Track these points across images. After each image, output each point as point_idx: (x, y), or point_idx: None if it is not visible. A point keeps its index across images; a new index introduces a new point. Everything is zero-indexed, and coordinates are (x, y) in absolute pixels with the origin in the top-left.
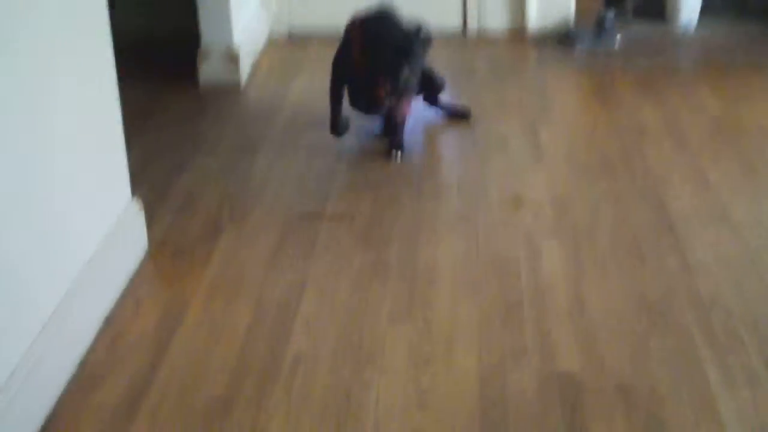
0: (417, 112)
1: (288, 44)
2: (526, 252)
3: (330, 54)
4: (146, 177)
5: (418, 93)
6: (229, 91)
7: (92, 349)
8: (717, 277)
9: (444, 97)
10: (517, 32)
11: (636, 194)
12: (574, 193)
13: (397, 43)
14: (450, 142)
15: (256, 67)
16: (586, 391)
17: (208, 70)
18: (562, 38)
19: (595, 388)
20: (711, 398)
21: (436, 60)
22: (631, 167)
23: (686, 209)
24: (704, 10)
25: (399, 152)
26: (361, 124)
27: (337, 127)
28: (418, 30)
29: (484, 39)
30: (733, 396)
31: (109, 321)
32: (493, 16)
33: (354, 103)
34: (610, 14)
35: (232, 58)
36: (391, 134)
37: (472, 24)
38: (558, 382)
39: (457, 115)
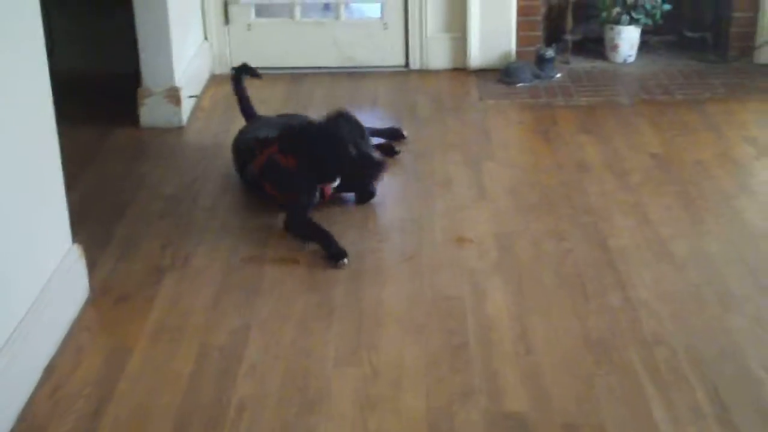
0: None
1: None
2: (471, 291)
3: (273, 90)
4: (87, 221)
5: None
6: (171, 131)
7: (32, 401)
8: (660, 313)
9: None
10: (459, 69)
11: (578, 231)
12: (518, 230)
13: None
14: (393, 180)
15: (197, 106)
16: (534, 430)
17: (149, 111)
18: (503, 74)
19: (543, 428)
20: None
21: (379, 95)
22: (573, 204)
23: (627, 246)
24: (642, 46)
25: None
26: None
27: (338, 254)
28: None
29: (426, 73)
30: None
31: (50, 371)
32: (435, 56)
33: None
34: (550, 51)
35: (174, 98)
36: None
37: (414, 65)
38: (506, 422)
39: (390, 148)
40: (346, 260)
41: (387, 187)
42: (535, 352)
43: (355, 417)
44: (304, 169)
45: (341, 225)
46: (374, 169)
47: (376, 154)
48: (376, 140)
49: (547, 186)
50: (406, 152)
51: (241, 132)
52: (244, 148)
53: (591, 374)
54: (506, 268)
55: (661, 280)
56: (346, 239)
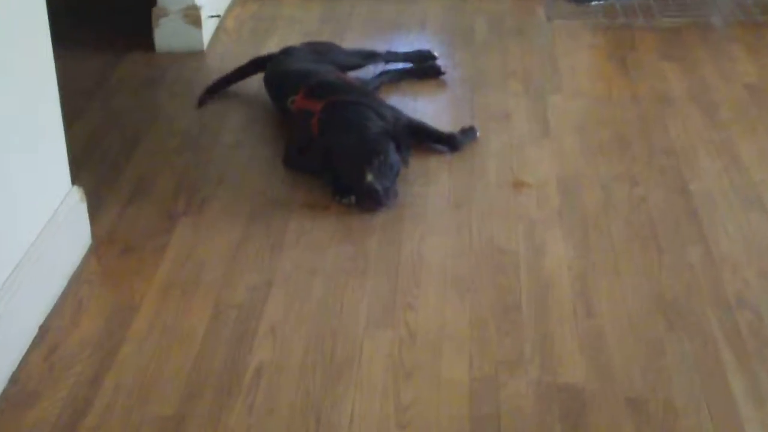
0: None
1: (258, 0)
2: (527, 243)
3: (307, 11)
4: (91, 160)
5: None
6: (190, 56)
7: (25, 362)
8: (745, 272)
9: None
10: None
11: (655, 175)
12: (584, 174)
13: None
14: (442, 113)
15: (220, 28)
16: (592, 405)
17: (165, 34)
18: None
19: (602, 402)
20: (734, 412)
21: (428, 17)
22: (651, 143)
23: (712, 192)
24: None
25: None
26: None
27: (342, 190)
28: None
29: None
30: (760, 409)
31: (46, 328)
32: None
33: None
34: None
35: (193, 19)
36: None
37: None
38: (559, 395)
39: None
40: (352, 198)
41: (435, 120)
42: (597, 314)
43: (387, 387)
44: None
45: None
46: (369, 201)
47: (381, 187)
48: (407, 65)
49: (622, 121)
50: (458, 81)
51: (278, 63)
52: (287, 83)
53: (661, 340)
54: (569, 218)
55: (748, 232)
56: None
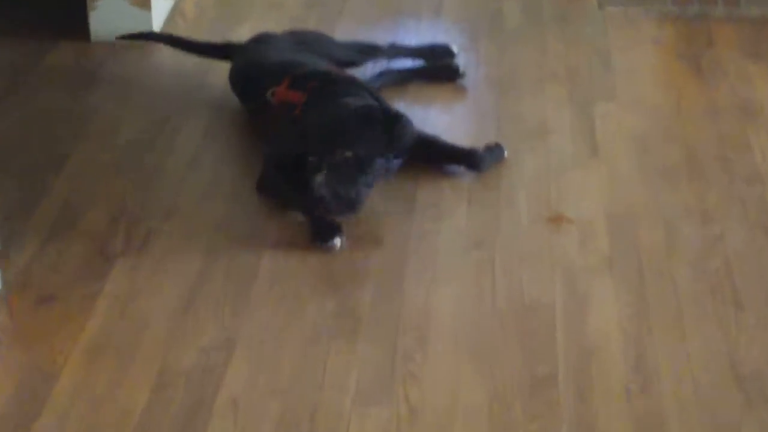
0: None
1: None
2: (566, 296)
3: None
4: (1, 181)
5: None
6: (135, 47)
7: None
8: None
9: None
10: None
11: (735, 208)
12: (642, 207)
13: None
14: (460, 125)
15: (176, 11)
16: None
17: (104, 17)
18: None
19: None
20: None
21: (446, 5)
22: (730, 167)
23: None
24: None
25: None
26: None
27: (326, 230)
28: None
29: None
30: None
31: None
32: None
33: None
34: None
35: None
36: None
37: None
38: None
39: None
40: (337, 241)
41: (451, 134)
42: (655, 389)
43: None
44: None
45: (377, 192)
46: (314, 207)
47: (328, 193)
48: (416, 63)
49: (693, 139)
50: (482, 84)
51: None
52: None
53: (738, 423)
54: (621, 263)
55: None
56: (384, 213)
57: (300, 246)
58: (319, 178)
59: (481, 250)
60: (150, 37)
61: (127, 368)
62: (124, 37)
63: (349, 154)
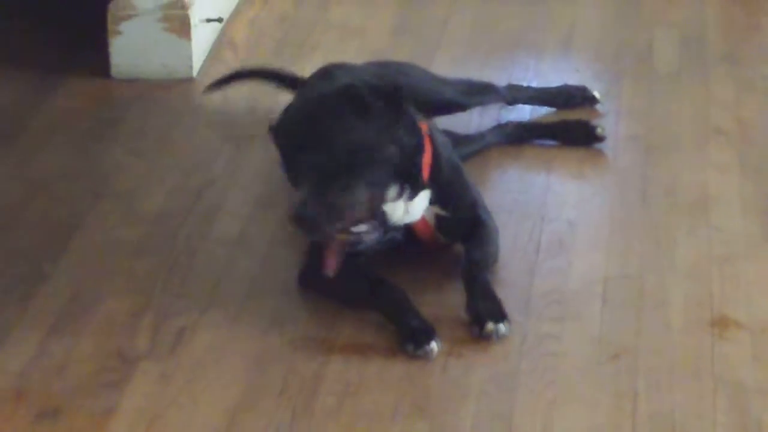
0: None
1: None
2: (733, 426)
3: (375, 15)
4: None
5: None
6: (168, 87)
7: None
8: None
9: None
10: None
11: None
12: None
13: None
14: (596, 196)
15: (223, 40)
16: None
17: (130, 47)
18: None
19: None
20: None
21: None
22: None
23: None
24: None
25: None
26: None
27: (419, 332)
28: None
29: None
30: None
31: None
32: None
33: None
34: None
35: (177, 24)
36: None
37: None
38: None
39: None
40: (434, 345)
41: (580, 210)
42: None
43: None
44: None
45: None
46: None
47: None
48: (543, 108)
49: None
50: (623, 142)
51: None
52: None
53: None
54: None
55: None
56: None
57: (380, 351)
58: (306, 191)
59: (618, 362)
60: (247, 75)
61: None
62: (213, 88)
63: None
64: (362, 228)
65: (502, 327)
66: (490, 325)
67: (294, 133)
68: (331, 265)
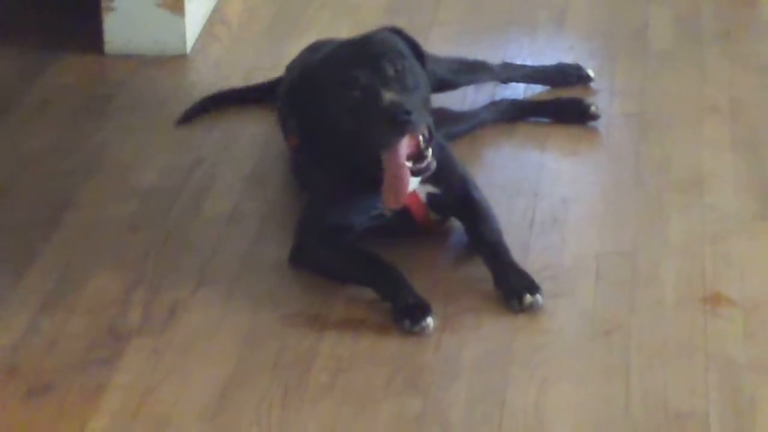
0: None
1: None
2: (724, 403)
3: None
4: None
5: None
6: (161, 63)
7: None
8: None
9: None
10: None
11: None
12: None
13: None
14: (589, 173)
15: (217, 17)
16: None
17: (122, 23)
18: None
19: None
20: None
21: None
22: None
23: None
24: None
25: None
26: None
27: (414, 308)
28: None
29: None
30: None
31: None
32: None
33: None
34: None
35: (170, 1)
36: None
37: None
38: None
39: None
40: (430, 321)
41: (573, 187)
42: None
43: None
44: (313, 151)
45: (463, 268)
46: (390, 133)
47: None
48: (536, 86)
49: None
50: (618, 120)
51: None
52: None
53: None
54: None
55: None
56: (475, 294)
57: (373, 327)
58: (390, 96)
59: (611, 339)
60: (206, 106)
61: None
62: (184, 121)
63: (400, 62)
64: (431, 152)
65: (539, 297)
66: (528, 298)
67: (341, 69)
68: (403, 192)
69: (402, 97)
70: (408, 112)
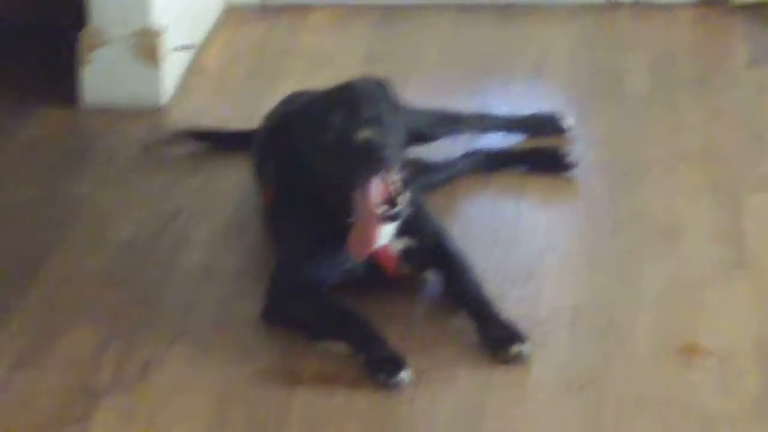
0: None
1: (261, 19)
2: None
3: (349, 38)
4: None
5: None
6: (138, 116)
7: None
8: None
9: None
10: (711, 2)
11: None
12: None
13: None
14: (564, 223)
15: (194, 67)
16: None
17: (99, 75)
18: None
19: None
20: None
21: (550, 53)
22: None
23: None
24: None
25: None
26: None
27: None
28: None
29: (648, 9)
30: None
31: None
32: None
33: None
34: None
35: (147, 50)
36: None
37: None
38: None
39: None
40: (404, 375)
41: (550, 237)
42: None
43: None
44: (287, 201)
45: (439, 321)
46: (363, 166)
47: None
48: (513, 136)
49: None
50: (595, 167)
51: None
52: None
53: None
54: None
55: None
56: (451, 332)
57: (346, 382)
58: (368, 134)
59: (586, 392)
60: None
61: None
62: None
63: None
64: (403, 199)
65: (525, 348)
66: (515, 348)
67: (318, 113)
68: (369, 243)
69: (376, 136)
70: (381, 148)
